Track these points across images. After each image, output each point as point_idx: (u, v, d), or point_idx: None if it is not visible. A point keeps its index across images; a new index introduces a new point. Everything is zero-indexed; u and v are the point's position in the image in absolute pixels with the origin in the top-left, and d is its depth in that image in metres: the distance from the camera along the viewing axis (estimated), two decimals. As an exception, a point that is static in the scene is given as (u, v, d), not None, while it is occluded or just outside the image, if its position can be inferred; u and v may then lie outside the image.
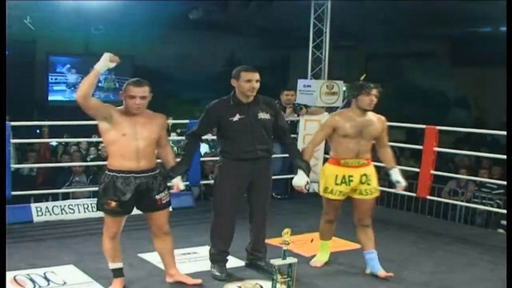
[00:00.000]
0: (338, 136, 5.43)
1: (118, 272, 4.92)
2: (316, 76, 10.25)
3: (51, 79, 17.90)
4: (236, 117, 5.20)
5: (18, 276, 5.23)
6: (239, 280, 5.26)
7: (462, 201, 8.61)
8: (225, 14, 12.54)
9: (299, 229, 6.18)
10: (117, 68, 19.16)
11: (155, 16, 14.77)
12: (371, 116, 5.51)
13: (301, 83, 9.90)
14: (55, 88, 17.96)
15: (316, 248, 6.13)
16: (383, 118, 5.62)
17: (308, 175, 5.34)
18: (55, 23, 15.17)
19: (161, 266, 5.57)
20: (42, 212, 7.21)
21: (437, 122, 8.04)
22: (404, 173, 9.84)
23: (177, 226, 6.83)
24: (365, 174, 5.48)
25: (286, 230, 4.59)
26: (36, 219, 7.14)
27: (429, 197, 7.87)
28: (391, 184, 6.01)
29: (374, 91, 5.38)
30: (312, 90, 9.60)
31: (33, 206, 7.27)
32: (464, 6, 12.64)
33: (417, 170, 7.99)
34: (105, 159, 6.58)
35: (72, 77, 17.84)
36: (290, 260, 4.55)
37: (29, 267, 5.47)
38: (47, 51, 17.50)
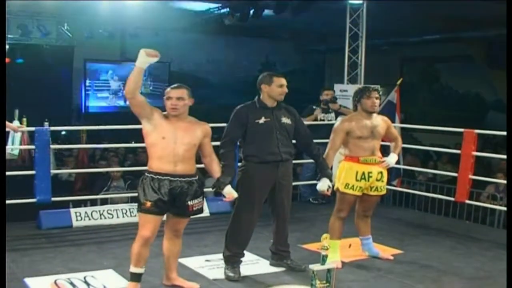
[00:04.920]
0: (352, 138, 5.81)
1: (137, 277, 4.90)
2: (353, 80, 10.23)
3: (94, 86, 18.16)
4: (262, 120, 5.36)
5: (58, 280, 5.31)
6: (277, 285, 5.24)
7: (501, 205, 8.48)
8: (260, 19, 12.55)
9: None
10: (154, 74, 19.32)
11: (190, 22, 14.90)
12: (376, 117, 5.94)
13: (337, 88, 9.88)
14: (99, 95, 18.27)
15: (355, 253, 6.18)
16: (385, 118, 6.11)
17: (331, 181, 5.62)
18: (92, 29, 15.37)
19: (200, 271, 5.62)
20: (81, 217, 7.26)
21: (475, 126, 7.94)
22: (442, 178, 9.84)
23: (215, 231, 6.87)
24: (381, 172, 5.90)
25: (325, 235, 4.60)
26: (75, 224, 7.21)
27: (467, 201, 7.79)
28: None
29: (374, 94, 5.85)
30: (349, 95, 9.56)
31: (72, 211, 7.35)
32: (499, 8, 12.50)
33: (454, 174, 7.91)
34: (143, 164, 6.64)
35: (114, 84, 18.12)
36: (329, 265, 4.54)
37: (69, 271, 5.54)
38: (84, 58, 17.69)
